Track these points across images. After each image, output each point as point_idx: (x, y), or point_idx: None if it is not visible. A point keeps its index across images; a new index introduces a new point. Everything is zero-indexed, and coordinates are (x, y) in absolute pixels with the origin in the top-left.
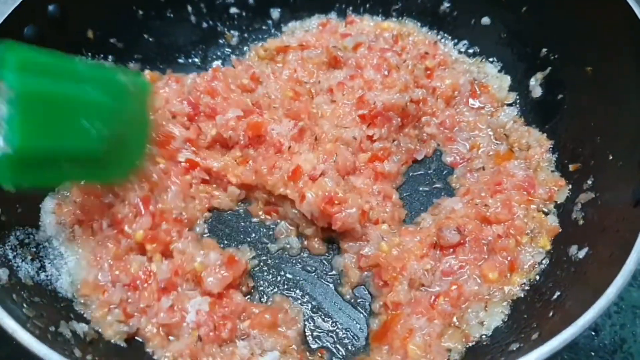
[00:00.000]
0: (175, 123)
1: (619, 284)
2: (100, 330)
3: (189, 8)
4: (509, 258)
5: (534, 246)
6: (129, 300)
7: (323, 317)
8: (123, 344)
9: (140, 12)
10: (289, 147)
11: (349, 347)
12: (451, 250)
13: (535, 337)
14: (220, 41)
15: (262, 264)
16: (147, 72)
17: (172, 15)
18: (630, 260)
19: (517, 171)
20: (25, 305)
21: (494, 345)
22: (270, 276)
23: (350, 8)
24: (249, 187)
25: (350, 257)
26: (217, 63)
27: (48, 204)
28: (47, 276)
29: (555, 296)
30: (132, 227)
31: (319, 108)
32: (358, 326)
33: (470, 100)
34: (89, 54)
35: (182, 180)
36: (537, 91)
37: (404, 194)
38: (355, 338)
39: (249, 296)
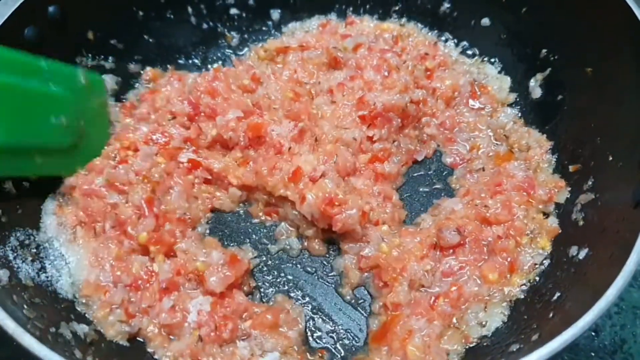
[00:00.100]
0: (175, 124)
1: (619, 284)
2: (102, 330)
3: (189, 9)
4: (508, 259)
5: (534, 247)
6: (131, 300)
7: (323, 317)
8: (124, 344)
9: (141, 13)
10: (289, 148)
11: (349, 348)
12: (451, 251)
13: (536, 338)
14: (221, 42)
15: (262, 264)
16: (148, 68)
17: (172, 16)
18: (630, 261)
19: (517, 172)
20: (25, 306)
21: (494, 346)
22: (271, 277)
23: (350, 9)
24: (250, 188)
25: (350, 258)
26: (217, 64)
27: (49, 206)
28: (47, 277)
29: (555, 297)
30: (135, 229)
31: (319, 109)
32: (358, 327)
33: (470, 101)
34: (89, 55)
35: (184, 180)
36: (537, 92)
37: (404, 195)
38: (356, 339)
39: (250, 296)
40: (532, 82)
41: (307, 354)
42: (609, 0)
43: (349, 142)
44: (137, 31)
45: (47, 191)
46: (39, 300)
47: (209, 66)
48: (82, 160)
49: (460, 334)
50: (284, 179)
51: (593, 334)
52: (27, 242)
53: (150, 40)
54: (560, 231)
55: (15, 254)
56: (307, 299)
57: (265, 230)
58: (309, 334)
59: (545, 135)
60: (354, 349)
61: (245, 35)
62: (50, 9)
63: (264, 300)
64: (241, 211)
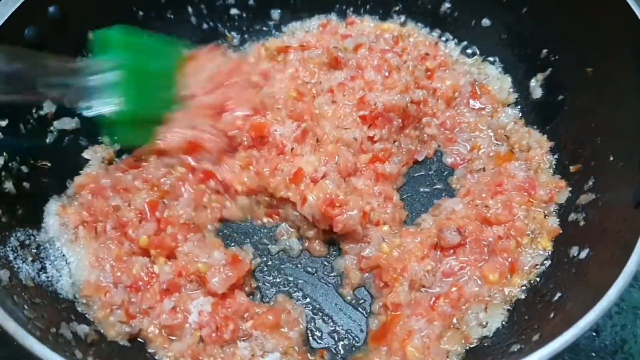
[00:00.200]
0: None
1: (620, 285)
2: (102, 331)
3: (190, 9)
4: (509, 259)
5: (535, 247)
6: (131, 301)
7: (324, 318)
8: (124, 345)
9: (141, 13)
10: (292, 149)
11: (350, 348)
12: (452, 251)
13: (536, 338)
14: (221, 42)
15: (263, 265)
16: None
17: (172, 16)
18: (631, 261)
19: (518, 172)
20: (26, 306)
21: (495, 347)
22: (272, 277)
23: (351, 9)
24: (254, 191)
25: (351, 259)
26: None
27: (52, 206)
28: (47, 277)
29: (556, 297)
30: (136, 232)
31: (320, 109)
32: (359, 327)
33: (471, 101)
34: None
35: (196, 189)
36: (537, 92)
37: (405, 195)
38: (356, 339)
39: (250, 296)
40: (532, 82)
41: (308, 354)
42: (609, 0)
43: (349, 142)
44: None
45: (47, 191)
46: (39, 300)
47: None
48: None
49: (461, 334)
50: (285, 180)
51: (594, 334)
52: (27, 242)
53: None
54: (560, 231)
55: (16, 254)
56: (308, 299)
57: (265, 231)
58: (309, 334)
59: (545, 135)
60: (354, 349)
61: (246, 36)
62: (51, 9)
63: (264, 300)
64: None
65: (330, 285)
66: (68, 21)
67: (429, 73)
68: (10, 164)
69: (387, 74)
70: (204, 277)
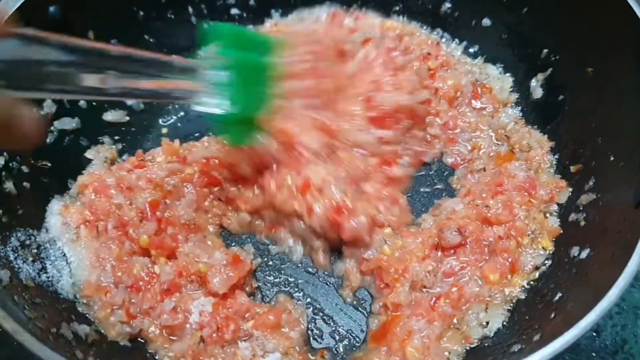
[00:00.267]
0: None
1: (621, 285)
2: (103, 331)
3: (190, 9)
4: (509, 259)
5: (535, 247)
6: (132, 301)
7: (324, 318)
8: (125, 344)
9: (141, 13)
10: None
11: (351, 348)
12: (452, 251)
13: (537, 338)
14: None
15: (263, 265)
16: None
17: (172, 16)
18: (632, 261)
19: (519, 172)
20: (26, 306)
21: (496, 347)
22: (272, 277)
23: (353, 8)
24: (258, 210)
25: (351, 262)
26: None
27: (54, 206)
28: (48, 278)
29: (556, 297)
30: (136, 232)
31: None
32: (359, 327)
33: (473, 101)
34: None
35: (198, 192)
36: (537, 92)
37: (405, 195)
38: (357, 339)
39: (251, 297)
40: (533, 82)
41: (309, 354)
42: (610, 0)
43: (365, 145)
44: (137, 31)
45: (48, 191)
46: (40, 300)
47: None
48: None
49: (461, 334)
50: (292, 191)
51: (594, 334)
52: (27, 242)
53: (151, 40)
54: (561, 231)
55: (16, 255)
56: (309, 299)
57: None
58: (310, 334)
59: (546, 135)
60: (355, 349)
61: None
62: (51, 9)
63: (265, 300)
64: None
65: (330, 285)
66: (68, 21)
67: (431, 72)
68: (10, 164)
69: (392, 73)
70: (205, 277)
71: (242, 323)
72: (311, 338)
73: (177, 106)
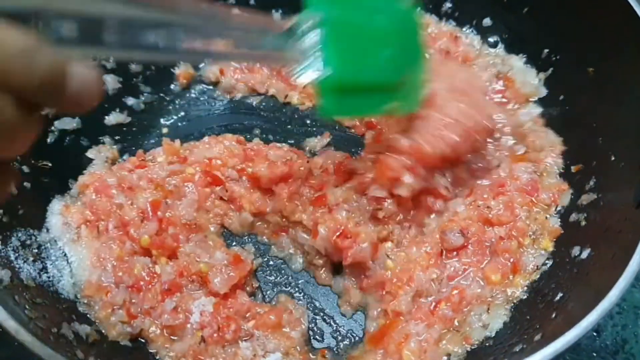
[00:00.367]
0: None
1: (622, 285)
2: (103, 331)
3: None
4: (511, 260)
5: (536, 248)
6: (133, 301)
7: (325, 318)
8: (126, 344)
9: None
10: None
11: (352, 348)
12: (455, 253)
13: (538, 338)
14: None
15: (264, 265)
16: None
17: None
18: (633, 261)
19: (522, 174)
20: (27, 306)
21: (497, 347)
22: (273, 277)
23: None
24: (262, 213)
25: (351, 279)
26: None
27: (55, 206)
28: (48, 277)
29: (557, 297)
30: (137, 231)
31: None
32: (360, 327)
33: (495, 96)
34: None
35: (200, 191)
36: (542, 91)
37: None
38: (358, 339)
39: (252, 297)
40: (535, 82)
41: (309, 354)
42: None
43: None
44: None
45: (48, 191)
46: (40, 300)
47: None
48: (409, 101)
49: (461, 335)
50: (305, 202)
51: (595, 334)
52: (28, 242)
53: None
54: (562, 232)
55: (17, 254)
56: (309, 299)
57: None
58: (311, 334)
59: (561, 138)
60: (356, 349)
61: None
62: None
63: (266, 300)
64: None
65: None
66: None
67: None
68: (11, 164)
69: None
70: (206, 277)
71: (243, 323)
72: (312, 338)
73: (177, 106)
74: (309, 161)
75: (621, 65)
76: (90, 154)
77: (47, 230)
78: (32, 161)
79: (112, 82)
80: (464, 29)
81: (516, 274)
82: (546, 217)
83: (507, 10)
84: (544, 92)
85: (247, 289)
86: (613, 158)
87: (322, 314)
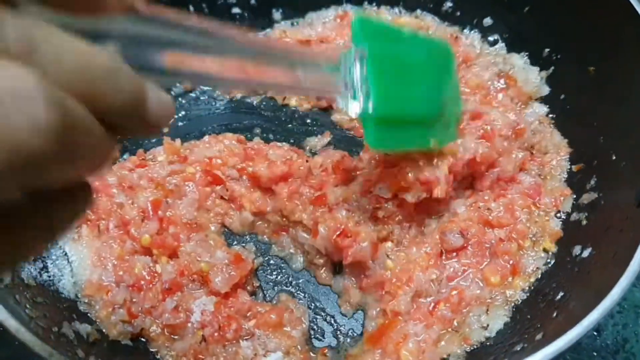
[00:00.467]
0: None
1: (624, 284)
2: (104, 330)
3: (191, 8)
4: (511, 262)
5: (537, 250)
6: (133, 301)
7: (325, 317)
8: (126, 343)
9: None
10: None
11: (352, 347)
12: (454, 254)
13: (539, 337)
14: None
15: (265, 264)
16: None
17: None
18: (634, 260)
19: (524, 178)
20: (28, 305)
21: (497, 346)
22: (274, 276)
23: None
24: (262, 213)
25: (351, 279)
26: None
27: None
28: (49, 277)
29: (558, 296)
30: (138, 231)
31: None
32: (361, 326)
33: (498, 95)
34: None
35: (201, 191)
36: (544, 90)
37: None
38: (359, 338)
39: (253, 296)
40: (537, 80)
41: (310, 353)
42: None
43: None
44: None
45: None
46: (41, 299)
47: None
48: (447, 134)
49: (460, 336)
50: (304, 202)
51: (595, 333)
52: None
53: None
54: (562, 234)
55: None
56: (310, 298)
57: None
58: (311, 333)
59: (567, 140)
60: (356, 348)
61: None
62: None
63: (267, 299)
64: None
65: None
66: None
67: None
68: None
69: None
70: (207, 277)
71: (244, 322)
72: (313, 337)
73: (178, 105)
74: (309, 160)
75: (622, 64)
76: None
77: None
78: None
79: None
80: (464, 29)
81: (515, 276)
82: (547, 220)
83: (508, 9)
84: (546, 90)
85: (248, 288)
86: (614, 157)
87: (323, 313)
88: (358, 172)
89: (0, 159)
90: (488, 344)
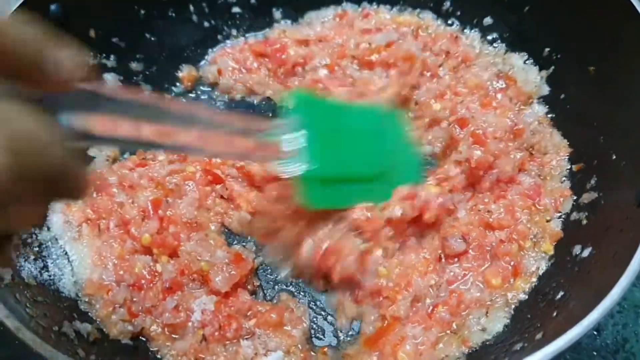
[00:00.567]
0: None
1: (624, 284)
2: (104, 329)
3: (191, 7)
4: (512, 263)
5: (537, 251)
6: (134, 300)
7: (326, 316)
8: (127, 342)
9: (142, 12)
10: None
11: (352, 346)
12: (456, 259)
13: (539, 337)
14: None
15: (265, 263)
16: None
17: (174, 15)
18: (634, 260)
19: (524, 179)
20: (28, 305)
21: (497, 346)
22: (274, 275)
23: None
24: (259, 213)
25: (345, 293)
26: None
27: (56, 204)
28: (50, 276)
29: (558, 296)
30: (138, 230)
31: None
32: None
33: (498, 95)
34: (91, 53)
35: (201, 190)
36: (544, 89)
37: None
38: (358, 337)
39: (253, 295)
40: (536, 80)
41: (311, 352)
42: None
43: None
44: (138, 30)
45: None
46: (41, 298)
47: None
48: (385, 192)
49: (459, 338)
50: (289, 207)
51: (595, 332)
52: (29, 240)
53: (152, 38)
54: (562, 235)
55: (18, 253)
56: (310, 297)
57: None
58: (312, 332)
59: (566, 140)
60: (357, 347)
61: (247, 35)
62: (52, 7)
63: (267, 299)
64: None
65: None
66: (70, 19)
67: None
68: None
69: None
70: (207, 276)
71: (244, 321)
72: (313, 336)
73: None
74: None
75: (622, 64)
76: (91, 152)
77: (48, 228)
78: None
79: (112, 80)
80: (464, 29)
81: (517, 278)
82: (547, 220)
83: (508, 9)
84: (546, 90)
85: (248, 287)
86: (614, 157)
87: (323, 312)
88: None
89: None
90: (488, 343)
